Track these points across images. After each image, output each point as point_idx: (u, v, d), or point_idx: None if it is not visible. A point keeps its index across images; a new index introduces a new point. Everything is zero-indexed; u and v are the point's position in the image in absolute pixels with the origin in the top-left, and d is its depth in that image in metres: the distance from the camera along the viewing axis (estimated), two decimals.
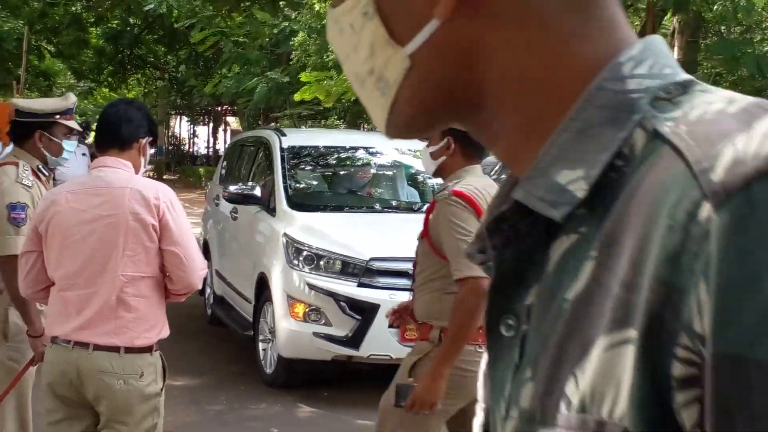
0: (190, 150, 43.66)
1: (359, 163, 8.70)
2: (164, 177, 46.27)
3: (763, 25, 21.83)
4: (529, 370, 0.74)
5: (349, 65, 0.87)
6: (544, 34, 0.77)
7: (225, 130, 41.23)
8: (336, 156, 8.73)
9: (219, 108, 32.33)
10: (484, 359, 0.87)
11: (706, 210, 0.62)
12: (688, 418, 0.63)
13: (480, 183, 3.68)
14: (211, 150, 39.57)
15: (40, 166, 4.64)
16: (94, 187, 3.57)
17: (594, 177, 0.72)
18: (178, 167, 41.26)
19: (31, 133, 4.59)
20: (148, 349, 3.50)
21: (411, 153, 8.70)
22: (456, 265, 3.49)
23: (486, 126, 0.82)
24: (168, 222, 3.52)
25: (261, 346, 7.27)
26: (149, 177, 4.20)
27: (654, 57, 0.76)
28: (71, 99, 4.97)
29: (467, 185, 3.64)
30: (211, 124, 40.81)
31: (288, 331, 6.68)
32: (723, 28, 19.93)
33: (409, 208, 7.99)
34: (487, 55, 0.78)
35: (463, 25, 0.78)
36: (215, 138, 40.85)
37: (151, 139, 3.77)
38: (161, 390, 3.58)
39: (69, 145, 4.78)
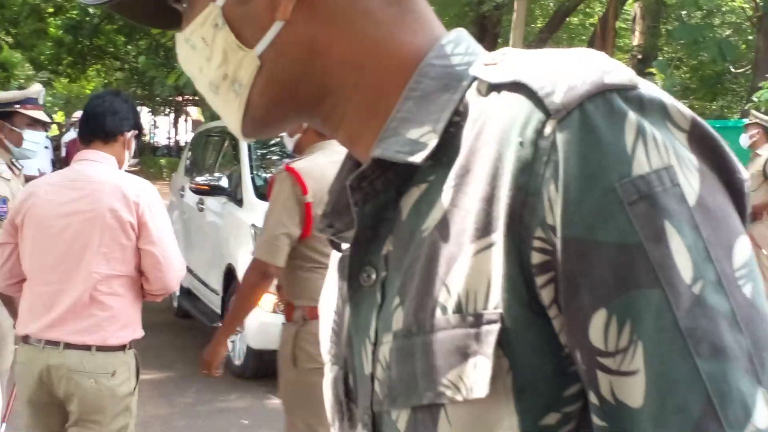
0: (151, 141, 43.31)
1: None
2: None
3: (723, 9, 22.01)
4: (396, 299, 0.84)
5: (202, 78, 0.97)
6: (372, 27, 0.91)
7: (186, 121, 40.96)
8: None
9: (180, 98, 32.08)
10: (326, 316, 1.00)
11: (550, 126, 0.76)
12: (546, 297, 0.75)
13: (326, 159, 3.64)
14: (172, 141, 39.28)
15: (13, 160, 4.59)
16: (74, 180, 3.48)
17: (441, 129, 0.85)
18: (139, 158, 40.98)
19: None
20: (121, 348, 3.44)
21: None
22: (258, 243, 3.64)
23: (330, 114, 0.94)
24: (146, 221, 3.44)
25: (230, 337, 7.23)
26: (133, 171, 4.16)
27: (467, 42, 0.93)
28: (33, 88, 4.89)
29: (305, 162, 3.70)
30: (172, 115, 40.50)
31: (257, 323, 6.64)
32: (684, 13, 20.06)
33: None
34: (325, 49, 0.91)
35: (302, 24, 0.90)
36: (176, 129, 40.56)
37: (136, 132, 3.69)
38: (134, 389, 3.52)
39: (32, 135, 4.69)
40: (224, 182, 7.53)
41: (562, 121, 0.75)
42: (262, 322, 6.62)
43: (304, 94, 0.93)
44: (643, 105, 0.76)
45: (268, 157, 8.36)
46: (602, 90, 0.75)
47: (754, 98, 11.63)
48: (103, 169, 3.51)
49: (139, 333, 3.53)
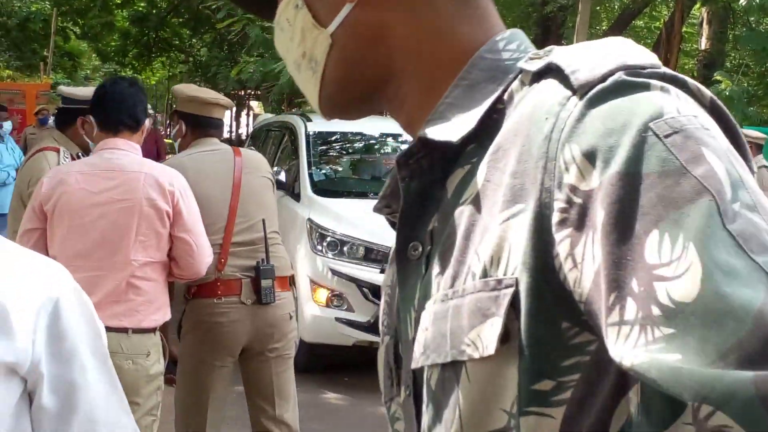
0: None
1: (384, 150, 8.72)
2: None
3: None
4: (437, 268, 0.91)
5: (289, 57, 1.07)
6: (433, 16, 0.98)
7: (248, 115, 41.31)
8: (361, 142, 8.76)
9: (243, 92, 32.34)
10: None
11: (573, 100, 0.82)
12: (562, 249, 0.79)
13: (196, 150, 4.09)
14: (233, 134, 39.65)
15: (80, 153, 4.68)
16: (108, 170, 3.52)
17: (479, 114, 0.92)
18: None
19: (73, 119, 4.60)
20: (153, 330, 3.53)
21: None
22: None
23: (393, 98, 1.02)
24: (181, 209, 3.52)
25: None
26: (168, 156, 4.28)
27: (520, 41, 0.99)
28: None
29: (175, 157, 4.20)
30: (234, 108, 40.86)
31: (311, 316, 6.74)
32: (752, 19, 19.74)
33: None
34: (389, 33, 0.99)
35: (370, 8, 0.99)
36: (238, 122, 40.94)
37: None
38: (164, 369, 3.63)
39: None
40: (282, 176, 7.61)
41: (585, 95, 0.81)
42: (316, 316, 6.70)
43: (370, 75, 1.01)
44: (665, 78, 0.81)
45: (327, 153, 8.45)
46: (625, 68, 0.81)
47: None
48: (134, 159, 3.57)
49: (168, 315, 3.63)
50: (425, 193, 0.95)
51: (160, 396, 3.59)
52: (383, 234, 6.77)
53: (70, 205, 3.48)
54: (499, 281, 0.83)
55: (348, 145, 8.73)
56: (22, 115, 15.12)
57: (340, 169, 8.51)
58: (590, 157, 0.78)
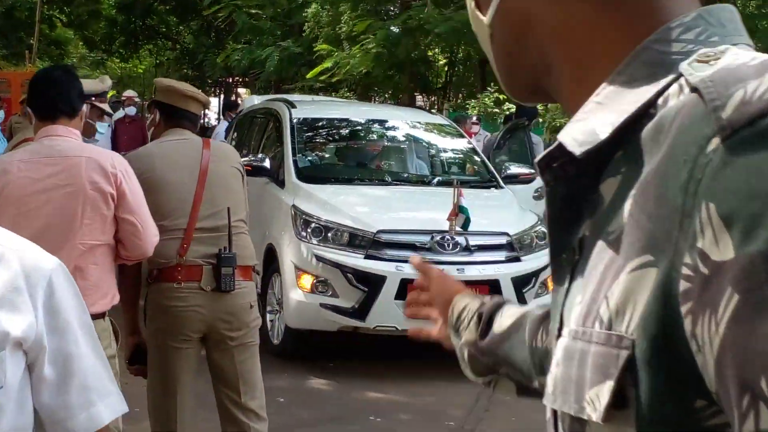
0: (202, 121, 43.68)
1: (370, 136, 8.72)
2: None
3: None
4: (579, 296, 0.83)
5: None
6: (580, 2, 0.88)
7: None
8: (346, 128, 8.76)
9: (230, 79, 32.29)
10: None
11: (713, 144, 0.70)
12: (687, 325, 0.70)
13: (167, 139, 4.17)
14: (222, 121, 39.61)
15: None
16: (49, 156, 3.54)
17: (620, 122, 0.81)
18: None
19: None
20: (101, 316, 3.54)
21: (422, 126, 8.73)
22: None
23: (555, 87, 0.93)
24: (125, 190, 3.56)
25: (269, 317, 7.32)
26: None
27: (705, 25, 0.83)
28: (107, 82, 5.10)
29: (145, 146, 4.48)
30: (222, 96, 40.77)
31: (295, 302, 6.74)
32: (739, 1, 19.75)
33: (419, 181, 8.02)
34: (537, 21, 0.91)
35: None
36: (228, 109, 40.85)
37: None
38: (116, 353, 3.64)
39: (101, 127, 4.86)
40: (267, 163, 7.60)
41: (728, 137, 0.69)
42: (300, 302, 6.71)
43: (527, 64, 0.95)
44: None
45: (311, 139, 8.43)
46: None
47: None
48: (74, 144, 3.59)
49: (116, 299, 3.66)
50: (575, 197, 0.86)
51: (115, 378, 3.62)
52: (367, 220, 6.78)
53: (15, 193, 3.49)
54: (620, 338, 0.75)
55: (333, 131, 8.71)
56: (7, 104, 15.05)
57: (327, 155, 8.51)
58: (728, 221, 0.67)
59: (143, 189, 3.70)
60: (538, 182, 10.04)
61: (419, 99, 28.04)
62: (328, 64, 22.01)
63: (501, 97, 20.56)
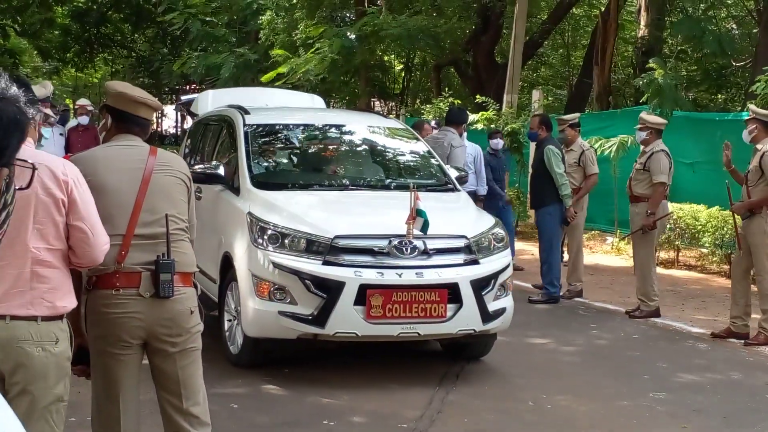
0: (158, 129, 43.20)
1: (325, 141, 8.57)
2: None
3: (729, 1, 21.81)
4: None
5: None
6: None
7: (183, 116, 40.83)
8: (301, 134, 8.59)
9: (187, 87, 31.99)
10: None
11: None
12: None
13: (113, 144, 4.17)
14: (179, 129, 39.20)
15: None
16: None
17: None
18: None
19: None
20: (60, 317, 3.53)
21: (378, 130, 8.62)
22: None
23: None
24: (75, 197, 3.54)
25: (226, 325, 7.16)
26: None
27: None
28: (49, 87, 5.11)
29: (90, 149, 4.31)
30: (177, 104, 40.41)
31: (253, 310, 6.58)
32: (689, 5, 19.89)
33: (375, 186, 7.89)
34: None
35: None
36: (183, 117, 40.48)
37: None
38: (71, 354, 3.64)
39: (46, 132, 4.74)
40: (221, 170, 7.44)
41: None
42: (258, 310, 6.56)
43: None
44: None
45: (266, 145, 8.26)
46: None
47: (753, 91, 11.47)
48: (27, 151, 3.51)
49: (75, 302, 3.64)
50: None
51: (68, 382, 3.60)
52: (324, 225, 6.65)
53: None
54: None
55: (288, 137, 8.54)
56: None
57: (281, 161, 8.34)
58: None
59: None
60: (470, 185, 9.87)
61: (377, 104, 27.96)
62: (283, 69, 21.92)
63: (456, 102, 20.55)
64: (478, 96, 18.51)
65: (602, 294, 10.94)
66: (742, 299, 8.41)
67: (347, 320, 6.39)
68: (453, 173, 8.13)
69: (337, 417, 5.93)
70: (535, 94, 18.26)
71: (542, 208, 10.30)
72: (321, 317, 6.41)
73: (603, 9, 21.34)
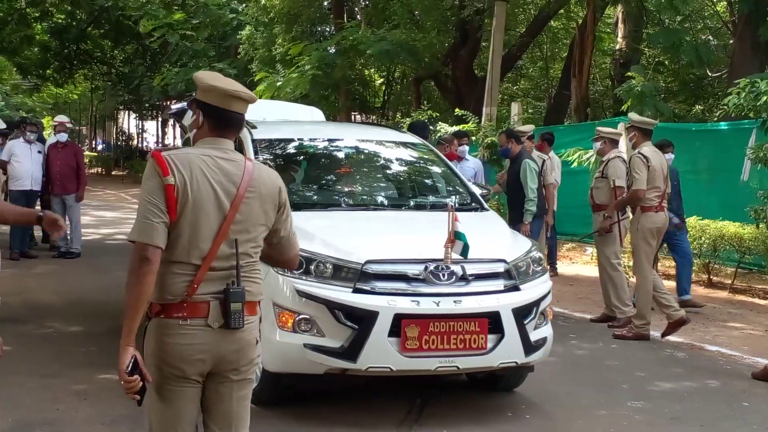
0: (139, 145, 42.21)
1: (340, 157, 7.69)
2: (113, 173, 44.70)
3: (705, 14, 21.34)
4: None
5: None
6: None
7: (174, 125, 39.86)
8: (315, 149, 7.70)
9: (167, 102, 31.08)
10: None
11: None
12: None
13: (202, 151, 3.40)
14: (160, 144, 38.22)
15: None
16: None
17: None
18: (126, 162, 39.75)
19: None
20: None
21: (397, 146, 7.80)
22: (133, 227, 3.34)
23: None
24: None
25: None
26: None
27: None
28: None
29: (175, 149, 3.53)
30: (159, 119, 39.44)
31: (276, 343, 5.73)
32: (665, 18, 19.37)
33: (402, 206, 7.10)
34: None
35: None
36: (164, 132, 39.50)
37: None
38: None
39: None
40: None
41: None
42: (281, 343, 5.73)
43: None
44: None
45: (277, 162, 7.39)
46: None
47: (723, 105, 11.06)
48: None
49: None
50: None
51: None
52: (354, 249, 5.84)
53: None
54: None
55: (300, 152, 7.64)
56: None
57: (299, 178, 7.45)
58: None
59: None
60: None
61: (357, 118, 27.23)
62: (261, 87, 21.25)
63: (434, 114, 19.93)
64: (457, 109, 18.18)
65: (582, 304, 10.90)
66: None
67: (381, 353, 5.58)
68: (477, 190, 7.34)
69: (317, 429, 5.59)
70: (514, 107, 17.88)
71: (522, 223, 9.97)
72: (352, 350, 5.59)
73: (580, 22, 20.83)
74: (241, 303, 3.38)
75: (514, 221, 9.89)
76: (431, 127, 17.54)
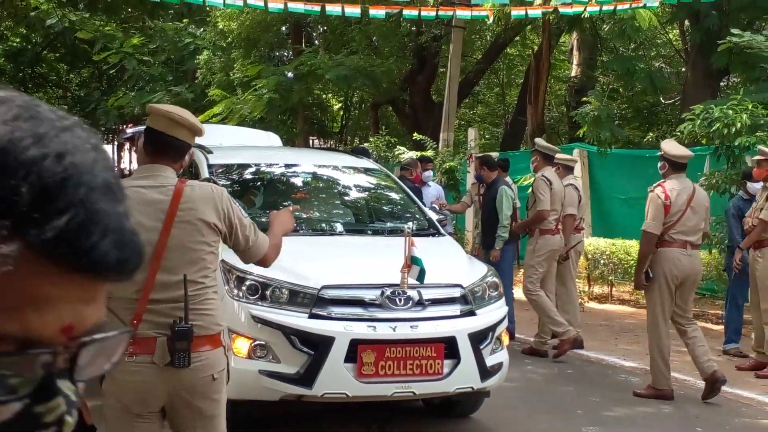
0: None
1: (297, 182, 7.69)
2: None
3: (659, 41, 21.66)
4: None
5: None
6: None
7: (130, 149, 39.46)
8: (271, 174, 7.67)
9: (123, 126, 30.81)
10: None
11: None
12: None
13: (132, 183, 3.42)
14: (116, 169, 37.90)
15: None
16: None
17: None
18: None
19: None
20: None
21: (354, 171, 7.78)
22: None
23: None
24: None
25: None
26: None
27: None
28: None
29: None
30: (115, 143, 39.08)
31: (230, 370, 5.67)
32: (619, 46, 19.64)
33: (358, 231, 7.08)
34: None
35: None
36: (120, 156, 39.11)
37: None
38: None
39: None
40: None
41: None
42: (236, 369, 5.64)
43: None
44: None
45: (233, 187, 7.34)
46: None
47: (678, 131, 11.20)
48: None
49: None
50: None
51: None
52: (310, 275, 5.81)
53: None
54: None
55: (257, 178, 7.61)
56: None
57: (256, 203, 7.40)
58: None
59: None
60: None
61: (316, 143, 27.21)
62: (217, 109, 21.15)
63: (393, 140, 19.96)
64: (415, 134, 18.15)
65: (536, 329, 10.59)
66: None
67: (337, 379, 5.55)
68: (434, 216, 7.35)
69: None
70: (471, 133, 17.96)
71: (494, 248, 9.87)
72: (307, 376, 5.55)
73: (536, 49, 21.04)
74: (187, 342, 3.33)
75: (486, 245, 9.90)
76: (388, 153, 17.63)
